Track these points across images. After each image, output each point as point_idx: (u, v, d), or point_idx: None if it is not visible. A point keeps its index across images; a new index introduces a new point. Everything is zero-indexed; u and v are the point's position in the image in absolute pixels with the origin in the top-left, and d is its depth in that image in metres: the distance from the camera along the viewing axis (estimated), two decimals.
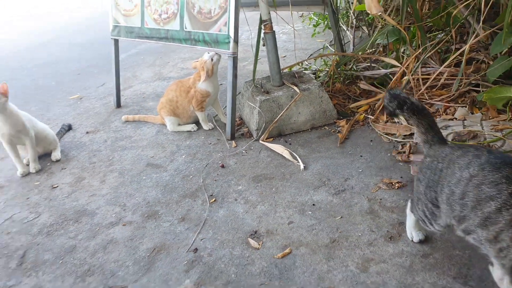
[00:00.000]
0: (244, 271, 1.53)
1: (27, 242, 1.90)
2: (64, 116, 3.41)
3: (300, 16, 5.60)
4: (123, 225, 1.91)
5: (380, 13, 1.90)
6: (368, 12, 1.91)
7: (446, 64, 2.49)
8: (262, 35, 2.53)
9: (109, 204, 2.09)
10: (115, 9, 3.17)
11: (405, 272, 1.40)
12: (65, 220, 2.03)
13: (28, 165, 2.57)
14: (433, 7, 3.08)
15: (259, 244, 1.64)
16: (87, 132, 3.01)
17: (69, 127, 3.11)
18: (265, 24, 2.43)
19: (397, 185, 1.86)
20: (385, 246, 1.53)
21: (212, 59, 2.54)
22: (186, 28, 2.63)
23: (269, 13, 2.41)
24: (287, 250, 1.58)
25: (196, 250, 1.67)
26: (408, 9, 2.61)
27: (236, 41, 2.37)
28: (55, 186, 2.35)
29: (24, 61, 5.82)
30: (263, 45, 2.54)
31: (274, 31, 2.46)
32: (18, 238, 1.94)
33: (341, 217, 1.72)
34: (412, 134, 2.23)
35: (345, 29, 3.88)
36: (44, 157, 2.68)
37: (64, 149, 2.78)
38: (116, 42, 3.27)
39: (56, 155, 2.66)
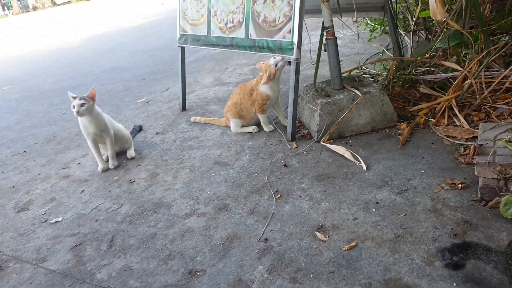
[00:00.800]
0: (313, 260, 1.65)
1: (113, 229, 2.13)
2: (134, 118, 3.69)
3: (354, 22, 5.65)
4: (198, 216, 2.09)
5: (445, 18, 1.96)
6: (433, 18, 1.97)
7: (511, 67, 2.47)
8: (323, 41, 2.64)
9: (183, 197, 2.28)
10: (182, 19, 3.41)
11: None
12: (144, 210, 2.24)
13: (107, 161, 2.84)
14: (497, 9, 3.05)
15: (326, 237, 1.75)
16: (157, 133, 3.26)
17: (140, 128, 3.38)
18: (328, 30, 2.54)
19: (460, 185, 1.90)
20: (449, 242, 1.59)
21: (276, 65, 2.68)
22: (251, 36, 2.80)
23: (332, 20, 2.52)
24: (353, 243, 1.69)
25: (266, 240, 1.81)
26: (471, 13, 2.61)
27: (299, 47, 2.50)
28: (133, 180, 2.59)
29: (92, 67, 6.30)
30: (324, 50, 2.65)
31: (336, 37, 2.57)
32: (106, 225, 2.17)
33: (405, 215, 1.80)
34: (474, 137, 2.24)
35: (403, 33, 3.90)
36: (119, 155, 2.95)
37: (137, 148, 3.03)
38: (183, 49, 3.51)
39: (131, 153, 2.92)
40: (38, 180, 2.85)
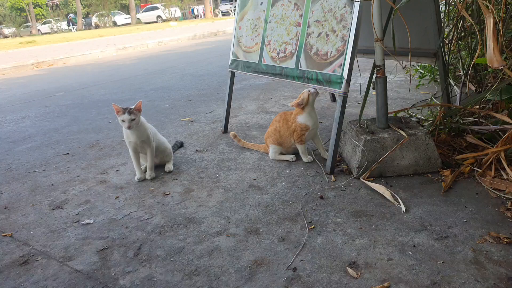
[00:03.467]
0: None
1: (142, 237, 2.14)
2: (176, 135, 3.78)
3: (403, 68, 5.63)
4: (227, 236, 2.07)
5: (502, 67, 1.91)
6: (489, 65, 1.93)
7: None
8: (373, 79, 2.64)
9: (214, 216, 2.28)
10: (236, 45, 3.52)
11: None
12: (175, 224, 2.25)
13: (145, 172, 2.90)
14: None
15: (358, 274, 1.69)
16: (197, 151, 3.31)
17: (181, 144, 3.45)
18: (378, 69, 2.54)
19: (505, 240, 1.79)
20: None
21: (310, 91, 2.73)
22: (301, 67, 2.84)
23: (383, 59, 2.52)
24: (385, 284, 1.61)
25: (295, 269, 1.76)
26: None
27: (348, 82, 2.51)
28: (167, 193, 2.62)
29: (142, 84, 6.57)
30: (373, 88, 2.64)
31: (386, 76, 2.56)
32: (135, 233, 2.19)
33: (443, 262, 1.71)
34: None
35: (452, 83, 3.83)
36: (157, 167, 3.00)
37: (176, 163, 3.08)
38: (233, 74, 3.61)
39: (169, 166, 2.97)
40: (76, 182, 2.94)
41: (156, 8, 36.33)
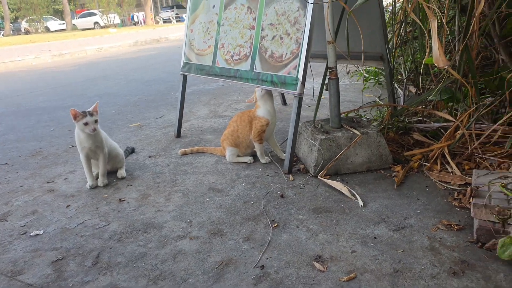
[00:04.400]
0: None
1: (100, 245, 2.04)
2: (126, 140, 3.66)
3: (347, 73, 5.87)
4: (190, 239, 2.03)
5: (446, 66, 2.06)
6: (436, 64, 2.07)
7: (500, 122, 2.59)
8: (326, 80, 2.73)
9: (175, 220, 2.23)
10: (188, 48, 3.49)
11: None
12: (134, 230, 2.17)
13: (97, 179, 2.77)
14: (481, 71, 3.24)
15: (324, 268, 1.72)
16: (150, 156, 3.22)
17: (132, 150, 3.34)
18: (331, 70, 2.63)
19: (455, 227, 1.92)
20: (449, 280, 1.59)
21: (261, 90, 2.83)
22: (255, 69, 2.87)
23: (336, 61, 2.62)
24: (352, 275, 1.66)
25: (263, 267, 1.77)
26: (464, 67, 2.77)
27: (303, 83, 2.58)
28: (122, 199, 2.52)
29: (86, 91, 6.30)
30: (326, 89, 2.73)
31: (338, 78, 2.66)
32: (92, 241, 2.09)
33: (403, 251, 1.79)
34: (467, 183, 2.30)
35: (396, 87, 4.06)
36: (109, 174, 2.88)
37: (129, 169, 2.98)
38: (185, 77, 3.56)
39: (122, 172, 2.86)
40: (19, 192, 2.75)
41: (94, 14, 34.95)
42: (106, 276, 1.80)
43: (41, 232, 2.21)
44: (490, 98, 2.95)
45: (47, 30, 35.23)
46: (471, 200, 1.91)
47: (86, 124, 2.54)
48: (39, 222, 2.32)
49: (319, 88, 3.00)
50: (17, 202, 2.59)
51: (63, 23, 36.22)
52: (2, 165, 3.28)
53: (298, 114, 2.65)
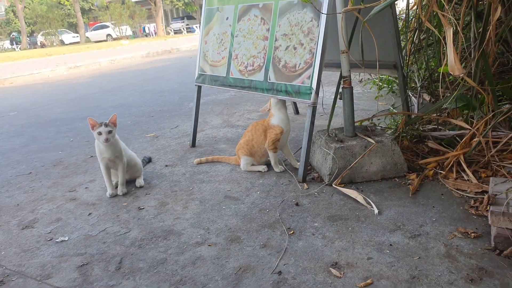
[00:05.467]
0: None
1: (122, 251, 2.10)
2: (143, 150, 3.73)
3: (360, 81, 5.91)
4: (209, 245, 2.08)
5: (462, 75, 2.09)
6: (451, 73, 2.10)
7: None
8: (340, 89, 2.77)
9: (193, 227, 2.28)
10: (202, 60, 3.57)
11: None
12: (154, 236, 2.22)
13: (116, 188, 2.84)
14: (498, 78, 3.25)
15: (341, 274, 1.75)
16: (166, 165, 3.29)
17: (149, 160, 3.41)
18: (345, 80, 2.67)
19: (472, 234, 1.93)
20: (466, 286, 1.60)
21: (275, 99, 2.89)
22: (269, 80, 2.93)
23: (349, 70, 2.66)
24: (368, 281, 1.68)
25: (280, 273, 1.80)
26: (481, 75, 2.78)
27: (317, 92, 2.62)
28: (142, 207, 2.58)
29: (101, 102, 6.43)
30: (340, 98, 2.77)
31: (352, 87, 2.70)
32: (114, 247, 2.14)
33: (419, 258, 1.81)
34: (483, 191, 2.31)
35: (410, 94, 4.09)
36: (128, 183, 2.95)
37: (146, 178, 3.05)
38: (199, 88, 3.64)
39: (140, 181, 2.93)
40: (43, 201, 2.83)
41: (106, 26, 35.59)
42: (129, 281, 1.85)
43: (66, 238, 2.28)
44: (507, 105, 2.95)
45: (62, 43, 35.96)
46: (488, 207, 1.92)
47: (99, 133, 2.60)
48: (63, 229, 2.39)
49: (333, 96, 3.04)
50: (42, 210, 2.67)
51: (77, 36, 36.94)
52: (26, 175, 3.38)
53: (312, 123, 2.69)
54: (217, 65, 3.42)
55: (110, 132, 2.62)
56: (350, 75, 2.69)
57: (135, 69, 11.06)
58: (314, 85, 2.63)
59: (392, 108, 4.03)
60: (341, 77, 2.73)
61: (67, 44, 34.96)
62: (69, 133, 4.61)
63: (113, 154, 2.70)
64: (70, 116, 5.55)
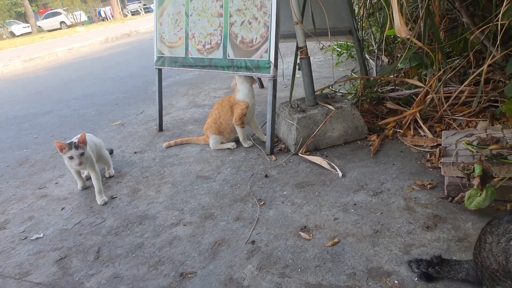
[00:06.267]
0: (299, 257, 1.74)
1: (99, 241, 2.14)
2: (110, 140, 3.72)
3: (321, 49, 5.97)
4: (184, 225, 2.15)
5: (408, 36, 2.18)
6: (398, 35, 2.19)
7: (466, 83, 2.74)
8: (298, 60, 2.83)
9: (167, 209, 2.33)
10: (159, 42, 3.54)
11: (444, 253, 1.60)
12: (129, 223, 2.27)
13: (86, 180, 2.84)
14: (449, 34, 3.38)
15: (310, 236, 1.86)
16: (135, 152, 3.30)
17: (111, 151, 3.33)
18: (301, 50, 2.73)
19: (428, 186, 2.08)
20: (423, 234, 1.74)
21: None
22: (229, 56, 2.95)
23: (305, 40, 2.72)
24: (336, 240, 1.80)
25: (253, 242, 1.90)
26: (429, 33, 2.89)
27: (276, 65, 2.67)
28: (115, 196, 2.61)
29: (62, 94, 6.27)
30: (299, 69, 2.83)
31: (309, 57, 2.76)
32: (90, 238, 2.18)
33: (381, 213, 1.94)
34: (438, 145, 2.45)
35: (368, 58, 4.19)
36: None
37: (116, 167, 3.06)
38: (160, 71, 3.62)
39: (110, 171, 2.94)
40: (13, 201, 2.81)
41: (58, 13, 33.91)
42: (109, 268, 1.91)
43: (41, 235, 2.30)
44: (457, 61, 3.09)
45: (12, 35, 34.19)
46: (440, 159, 2.06)
47: (71, 158, 2.42)
48: (37, 226, 2.40)
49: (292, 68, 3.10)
50: (13, 210, 2.66)
51: (28, 26, 35.16)
52: None
53: (275, 97, 2.75)
54: (175, 46, 3.40)
55: (82, 154, 2.44)
56: (306, 46, 2.74)
57: (95, 57, 10.73)
58: (272, 59, 2.67)
59: (352, 74, 4.12)
60: (297, 48, 2.78)
61: (18, 36, 33.27)
62: (32, 129, 4.51)
63: (84, 167, 2.57)
64: (31, 112, 5.40)
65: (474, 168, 1.77)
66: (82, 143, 2.45)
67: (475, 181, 1.77)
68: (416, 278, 1.51)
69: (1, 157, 3.78)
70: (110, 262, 1.94)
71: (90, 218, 2.39)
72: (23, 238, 2.30)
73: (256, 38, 2.74)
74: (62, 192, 2.80)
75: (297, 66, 2.87)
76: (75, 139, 2.46)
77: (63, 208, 2.56)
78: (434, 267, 1.47)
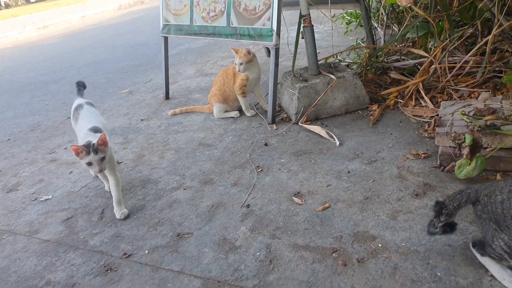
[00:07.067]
0: (290, 220, 1.82)
1: (103, 203, 2.25)
2: (118, 107, 3.80)
3: (332, 17, 5.86)
4: (184, 189, 2.23)
5: (409, 4, 2.15)
6: (399, 4, 2.16)
7: (471, 53, 2.70)
8: (301, 29, 2.82)
9: (169, 174, 2.42)
10: (165, 10, 3.54)
11: (428, 219, 1.65)
12: (133, 186, 2.37)
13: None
14: (459, 2, 3.30)
15: (302, 201, 1.93)
16: (142, 120, 3.38)
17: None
18: (305, 18, 2.72)
19: (423, 155, 2.10)
20: (411, 201, 1.79)
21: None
22: (232, 24, 2.95)
23: (308, 8, 2.70)
24: (326, 205, 1.86)
25: (248, 206, 1.97)
26: (437, 3, 2.83)
27: (278, 34, 2.67)
28: (120, 161, 2.70)
29: (74, 62, 6.34)
30: (302, 37, 2.82)
31: (312, 25, 2.75)
32: (95, 200, 2.29)
33: (373, 181, 1.99)
34: (438, 115, 2.45)
35: (376, 26, 4.12)
36: None
37: (123, 133, 3.15)
38: (166, 39, 3.63)
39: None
40: (25, 164, 2.93)
41: None
42: (111, 228, 2.01)
43: (50, 197, 2.42)
44: (468, 30, 3.03)
45: (27, 1, 34.17)
46: (435, 129, 2.08)
47: (89, 164, 1.94)
48: (47, 189, 2.52)
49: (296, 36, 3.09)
50: (24, 173, 2.79)
51: None
52: (5, 142, 3.45)
53: (277, 65, 2.76)
54: (180, 13, 3.40)
55: (103, 159, 1.95)
56: (309, 14, 2.72)
57: (107, 24, 10.73)
58: (274, 27, 2.67)
59: (359, 42, 4.07)
60: (301, 16, 2.76)
61: (33, 2, 33.23)
62: (43, 96, 4.62)
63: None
64: (43, 79, 5.50)
65: (465, 138, 1.79)
66: (103, 145, 1.95)
67: (465, 151, 1.79)
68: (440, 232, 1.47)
69: (15, 122, 3.91)
70: (113, 223, 2.05)
71: (96, 182, 2.49)
72: (33, 199, 2.42)
73: (259, 5, 2.73)
74: (71, 157, 2.91)
75: (300, 35, 2.86)
76: (93, 139, 1.95)
77: (71, 172, 2.67)
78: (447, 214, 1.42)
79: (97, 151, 1.93)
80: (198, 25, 3.24)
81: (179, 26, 3.42)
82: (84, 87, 2.62)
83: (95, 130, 2.11)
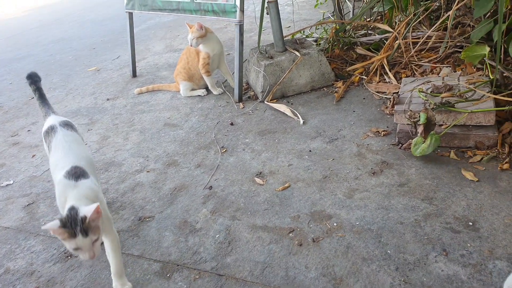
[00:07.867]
0: (251, 201, 1.84)
1: None
2: (85, 86, 3.70)
3: None
4: (147, 172, 2.22)
5: None
6: None
7: (434, 28, 2.71)
8: (266, 4, 2.77)
9: (133, 156, 2.40)
10: None
11: (384, 197, 1.70)
12: (96, 170, 2.34)
13: None
14: None
15: (263, 181, 1.95)
16: (108, 99, 3.31)
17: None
18: None
19: (383, 133, 2.14)
20: (368, 179, 1.83)
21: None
22: (196, 0, 2.87)
23: None
24: (286, 185, 1.89)
25: (211, 187, 1.99)
26: None
27: (242, 10, 2.62)
28: (84, 143, 2.66)
29: (40, 38, 6.11)
30: (267, 13, 2.78)
31: (276, 1, 2.70)
32: None
33: (333, 159, 2.02)
34: (397, 92, 2.48)
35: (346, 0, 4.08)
36: None
37: (88, 114, 3.09)
38: (131, 15, 3.53)
39: None
40: None
41: None
42: None
43: (11, 182, 2.37)
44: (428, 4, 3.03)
45: None
46: (393, 107, 2.10)
47: (77, 249, 1.26)
48: (8, 174, 2.47)
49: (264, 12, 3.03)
50: None
51: None
52: None
53: (241, 42, 2.73)
54: None
55: (96, 240, 1.28)
56: None
57: None
58: (238, 3, 2.61)
59: (330, 16, 4.04)
60: None
61: None
62: (7, 75, 4.46)
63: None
64: (7, 57, 5.29)
65: (419, 116, 1.82)
66: (93, 219, 1.25)
67: (420, 129, 1.83)
68: None
69: None
70: None
71: None
72: None
73: None
74: (34, 139, 2.85)
75: (265, 10, 2.82)
76: (79, 206, 1.27)
77: (33, 156, 2.62)
78: None
79: (87, 231, 1.24)
80: (162, 0, 3.14)
81: (143, 1, 3.31)
82: (40, 79, 1.97)
83: (77, 175, 1.45)
